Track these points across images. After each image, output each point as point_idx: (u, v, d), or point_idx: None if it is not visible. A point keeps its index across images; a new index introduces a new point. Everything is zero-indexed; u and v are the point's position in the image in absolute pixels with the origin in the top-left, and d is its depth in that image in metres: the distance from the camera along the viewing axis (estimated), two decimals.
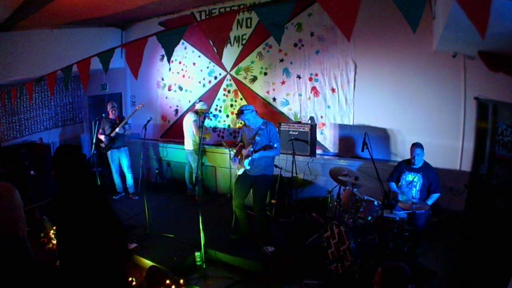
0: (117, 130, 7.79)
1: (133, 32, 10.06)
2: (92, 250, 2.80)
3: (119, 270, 3.10)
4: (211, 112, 8.47)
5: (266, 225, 5.81)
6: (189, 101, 9.42)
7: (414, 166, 5.51)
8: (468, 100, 6.11)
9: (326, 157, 7.43)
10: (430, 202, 5.30)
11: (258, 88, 8.31)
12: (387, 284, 2.53)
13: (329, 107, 7.45)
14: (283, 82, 7.97)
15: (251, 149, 5.37)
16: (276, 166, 6.84)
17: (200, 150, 5.56)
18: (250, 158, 5.38)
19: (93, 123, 7.99)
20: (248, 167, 5.47)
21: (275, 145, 5.43)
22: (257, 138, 5.39)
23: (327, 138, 7.59)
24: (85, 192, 2.94)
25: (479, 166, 6.15)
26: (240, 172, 5.64)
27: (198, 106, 8.06)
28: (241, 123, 8.56)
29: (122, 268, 3.18)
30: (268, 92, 8.18)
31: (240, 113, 5.55)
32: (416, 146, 5.46)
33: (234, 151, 6.16)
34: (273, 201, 6.85)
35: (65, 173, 2.88)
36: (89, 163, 8.21)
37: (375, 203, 5.15)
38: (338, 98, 7.31)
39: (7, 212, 2.23)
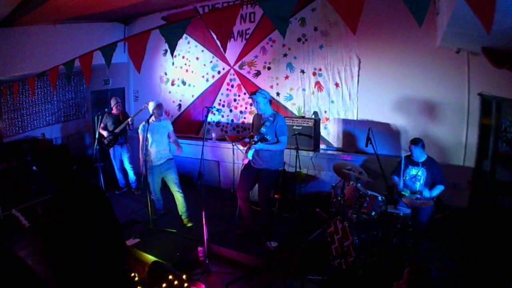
0: (120, 128, 7.76)
1: (136, 27, 10.04)
2: (91, 250, 2.78)
3: (121, 267, 3.09)
4: (214, 107, 8.46)
5: (271, 221, 5.76)
6: (192, 96, 9.43)
7: (417, 161, 5.49)
8: (471, 96, 6.09)
9: (329, 152, 7.43)
10: (434, 193, 5.27)
11: (262, 82, 8.29)
12: (412, 284, 2.55)
13: (332, 102, 7.43)
14: (286, 77, 7.94)
15: (254, 140, 5.32)
16: None
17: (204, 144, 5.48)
18: (252, 149, 5.36)
19: (95, 118, 7.98)
20: (250, 158, 5.45)
21: (280, 139, 5.36)
22: (262, 129, 5.28)
23: (330, 133, 7.57)
24: (80, 193, 2.92)
25: (483, 163, 6.13)
26: (246, 161, 5.61)
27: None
28: (243, 117, 8.60)
29: (124, 265, 3.15)
30: (271, 86, 8.15)
31: (253, 93, 5.47)
32: (412, 143, 5.47)
33: (238, 146, 6.13)
34: (276, 195, 6.84)
35: (56, 175, 2.87)
36: (88, 161, 8.13)
37: (379, 198, 5.14)
38: (342, 93, 7.29)
39: None
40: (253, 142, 5.28)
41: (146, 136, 6.14)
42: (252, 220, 5.89)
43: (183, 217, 6.42)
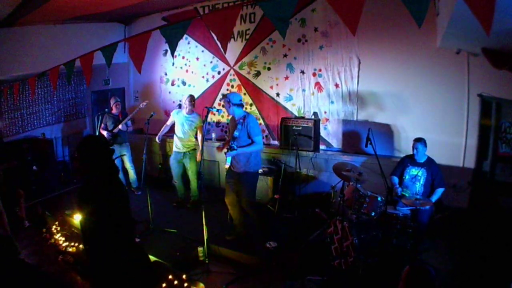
0: (120, 126, 7.75)
1: (136, 27, 10.05)
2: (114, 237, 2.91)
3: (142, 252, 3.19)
4: (214, 107, 8.45)
5: (261, 221, 5.68)
6: None
7: (418, 161, 5.50)
8: (471, 97, 6.08)
9: (329, 152, 7.41)
10: (434, 198, 5.28)
11: (262, 83, 8.30)
12: (410, 284, 2.57)
13: (332, 102, 7.43)
14: (286, 77, 7.95)
15: (229, 146, 5.24)
16: (280, 161, 6.84)
17: (203, 145, 5.50)
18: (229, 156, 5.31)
19: (95, 118, 7.97)
20: (229, 164, 5.40)
21: (254, 139, 5.30)
22: (235, 133, 5.27)
23: (330, 133, 7.57)
24: (108, 183, 3.03)
25: (482, 163, 6.13)
26: (227, 166, 5.53)
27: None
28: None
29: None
30: (271, 87, 8.17)
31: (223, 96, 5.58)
32: (417, 141, 5.50)
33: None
34: (276, 196, 6.84)
35: (89, 163, 2.99)
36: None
37: (379, 199, 5.14)
38: (341, 93, 7.29)
39: None
40: (229, 149, 5.26)
41: (174, 122, 7.11)
42: (243, 226, 5.84)
43: (193, 198, 7.50)
